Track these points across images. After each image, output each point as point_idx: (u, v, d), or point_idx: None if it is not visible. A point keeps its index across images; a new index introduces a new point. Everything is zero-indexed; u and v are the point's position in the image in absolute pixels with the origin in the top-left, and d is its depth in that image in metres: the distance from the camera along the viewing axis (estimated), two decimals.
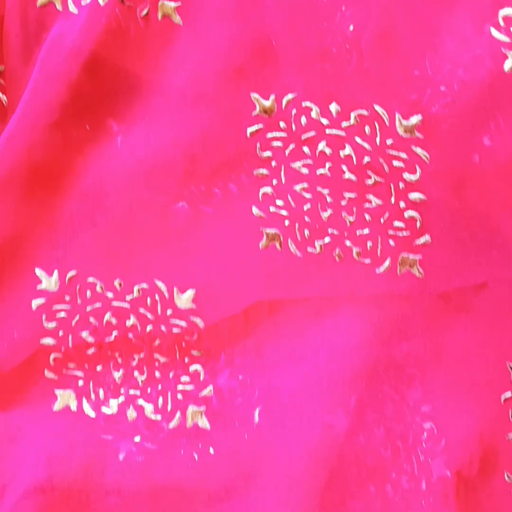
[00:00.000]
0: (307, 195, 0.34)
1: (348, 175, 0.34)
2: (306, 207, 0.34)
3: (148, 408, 0.35)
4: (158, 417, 0.35)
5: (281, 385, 0.35)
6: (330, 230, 0.34)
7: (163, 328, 0.35)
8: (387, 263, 0.35)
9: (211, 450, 0.35)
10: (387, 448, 0.35)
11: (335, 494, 0.35)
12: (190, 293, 0.35)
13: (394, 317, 0.35)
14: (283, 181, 0.34)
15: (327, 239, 0.35)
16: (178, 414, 0.35)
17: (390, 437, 0.35)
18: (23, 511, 0.34)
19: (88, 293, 0.35)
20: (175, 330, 0.35)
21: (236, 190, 0.35)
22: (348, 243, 0.35)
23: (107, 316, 0.35)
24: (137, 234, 0.35)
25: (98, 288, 0.35)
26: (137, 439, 0.35)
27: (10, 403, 0.36)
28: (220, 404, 0.35)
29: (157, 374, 0.36)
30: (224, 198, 0.35)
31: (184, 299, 0.35)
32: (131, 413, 0.35)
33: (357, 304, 0.35)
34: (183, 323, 0.35)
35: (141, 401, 0.35)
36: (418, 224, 0.34)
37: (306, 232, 0.35)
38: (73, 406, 0.35)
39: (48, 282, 0.35)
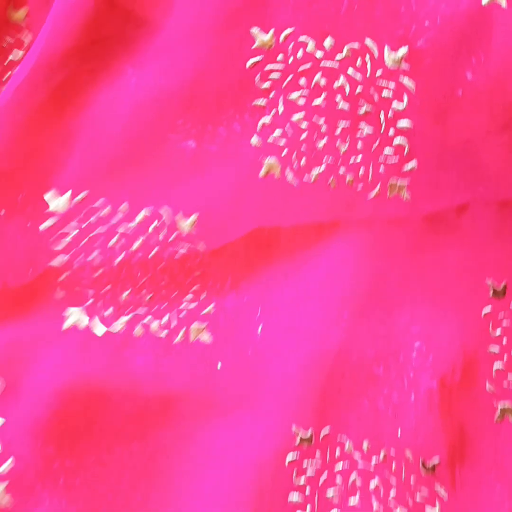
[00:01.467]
0: (304, 125, 0.37)
1: (341, 105, 0.37)
2: (303, 136, 0.37)
3: (154, 325, 0.38)
4: (164, 333, 0.38)
5: (281, 304, 0.38)
6: (325, 159, 0.37)
7: (166, 253, 0.38)
8: (377, 188, 0.37)
9: (219, 365, 0.38)
10: (379, 366, 0.38)
11: (330, 407, 0.37)
12: (193, 217, 0.38)
13: (384, 239, 0.37)
14: (281, 112, 0.37)
15: (322, 167, 0.37)
16: (182, 331, 0.38)
17: (381, 355, 0.38)
18: (40, 417, 0.36)
19: (96, 216, 0.37)
20: (177, 255, 0.38)
21: (239, 129, 0.37)
22: (341, 170, 0.37)
23: (114, 240, 0.37)
24: (145, 162, 0.37)
25: (105, 211, 0.38)
26: (149, 354, 0.37)
27: (20, 321, 0.37)
28: (226, 323, 0.38)
29: (161, 293, 0.38)
30: (228, 137, 0.37)
31: (188, 224, 0.38)
32: (138, 330, 0.38)
33: (349, 229, 0.37)
34: (186, 248, 0.38)
35: (147, 319, 0.38)
36: (405, 151, 0.37)
37: (303, 161, 0.37)
38: (82, 325, 0.37)
39: (58, 204, 0.37)
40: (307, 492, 0.36)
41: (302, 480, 0.36)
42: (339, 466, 0.37)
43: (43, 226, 0.37)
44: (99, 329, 0.37)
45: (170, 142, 0.37)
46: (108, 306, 0.37)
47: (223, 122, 0.37)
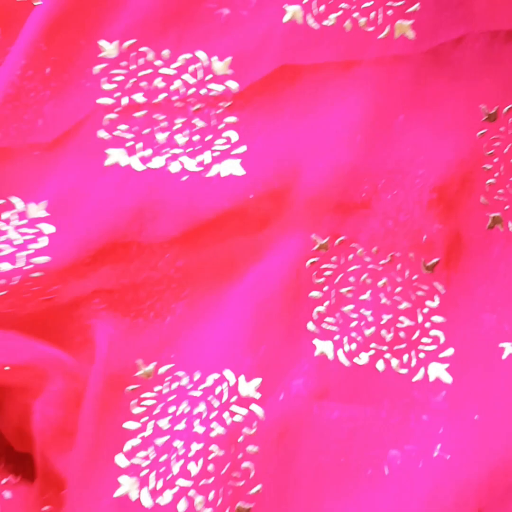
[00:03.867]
0: None
1: None
2: None
3: (190, 163, 0.43)
4: (199, 170, 0.43)
5: (303, 134, 0.44)
6: (341, 5, 0.44)
7: (202, 91, 0.44)
8: (386, 30, 0.43)
9: (251, 196, 0.44)
10: (387, 194, 0.43)
11: (344, 221, 0.43)
12: (227, 60, 0.44)
13: (391, 75, 0.43)
14: None
15: (339, 12, 0.44)
16: (216, 167, 0.43)
17: (390, 185, 0.43)
18: (80, 249, 0.41)
19: (141, 60, 0.44)
20: (212, 93, 0.44)
21: None
22: (355, 15, 0.44)
23: (157, 81, 0.44)
24: (184, 22, 0.44)
25: (149, 56, 0.44)
26: (184, 187, 0.43)
27: (65, 160, 0.43)
28: (256, 159, 0.43)
29: (195, 137, 0.43)
30: (258, 3, 0.44)
31: (222, 66, 0.44)
32: (175, 167, 0.43)
33: (362, 67, 0.44)
34: (220, 88, 0.44)
35: (183, 158, 0.43)
36: None
37: (322, 7, 0.44)
38: (124, 162, 0.43)
39: (109, 50, 0.44)
40: (325, 288, 0.43)
41: (321, 279, 0.43)
42: (352, 268, 0.44)
43: (96, 68, 0.44)
44: (139, 166, 0.43)
45: (206, 10, 0.44)
46: (146, 148, 0.43)
47: None
